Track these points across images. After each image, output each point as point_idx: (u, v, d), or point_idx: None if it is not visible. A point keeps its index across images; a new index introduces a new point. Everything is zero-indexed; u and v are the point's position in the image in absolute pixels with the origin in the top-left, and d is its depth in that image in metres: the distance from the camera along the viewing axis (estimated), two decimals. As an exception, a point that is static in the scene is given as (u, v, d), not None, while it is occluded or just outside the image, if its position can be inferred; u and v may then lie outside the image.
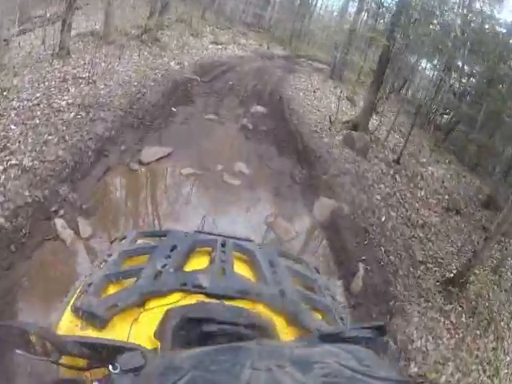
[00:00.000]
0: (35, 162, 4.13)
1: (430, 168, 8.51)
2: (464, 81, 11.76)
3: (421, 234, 5.90)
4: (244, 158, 6.04)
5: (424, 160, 8.82)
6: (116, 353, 0.63)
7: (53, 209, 3.81)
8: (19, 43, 7.80)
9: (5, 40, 6.91)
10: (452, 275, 5.06)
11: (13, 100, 5.23)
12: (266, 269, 0.90)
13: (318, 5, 24.96)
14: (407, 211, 6.34)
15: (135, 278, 0.82)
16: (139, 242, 1.01)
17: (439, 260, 5.49)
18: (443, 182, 8.18)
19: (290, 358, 0.56)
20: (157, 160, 5.25)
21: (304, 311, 0.84)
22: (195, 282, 0.80)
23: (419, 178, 7.80)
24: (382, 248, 5.13)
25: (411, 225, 6.03)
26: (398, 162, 7.83)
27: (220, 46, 14.16)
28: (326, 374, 0.54)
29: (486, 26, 10.30)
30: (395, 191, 6.77)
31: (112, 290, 0.82)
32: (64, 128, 4.92)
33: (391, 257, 5.05)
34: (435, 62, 12.84)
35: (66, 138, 4.75)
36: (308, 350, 0.62)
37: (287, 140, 7.26)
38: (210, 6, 18.18)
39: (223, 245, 0.95)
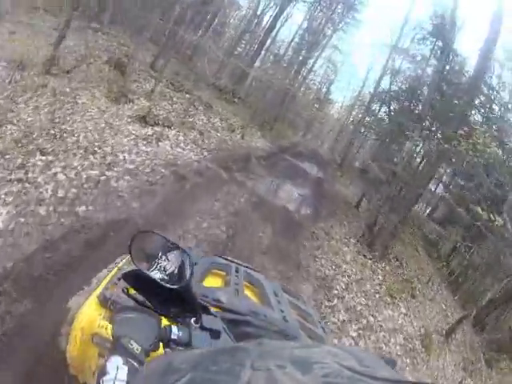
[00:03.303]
0: None
1: None
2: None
3: None
4: None
5: None
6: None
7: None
8: None
9: None
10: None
11: None
12: (271, 297, 1.02)
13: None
14: None
15: None
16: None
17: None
18: None
19: (290, 358, 0.56)
20: None
21: (302, 337, 0.95)
22: (214, 296, 0.93)
23: None
24: None
25: None
26: None
27: (150, 131, 6.89)
28: (326, 374, 0.54)
29: None
30: None
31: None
32: None
33: None
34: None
35: None
36: (308, 350, 0.62)
37: None
38: (170, 47, 11.43)
39: (236, 270, 1.09)
